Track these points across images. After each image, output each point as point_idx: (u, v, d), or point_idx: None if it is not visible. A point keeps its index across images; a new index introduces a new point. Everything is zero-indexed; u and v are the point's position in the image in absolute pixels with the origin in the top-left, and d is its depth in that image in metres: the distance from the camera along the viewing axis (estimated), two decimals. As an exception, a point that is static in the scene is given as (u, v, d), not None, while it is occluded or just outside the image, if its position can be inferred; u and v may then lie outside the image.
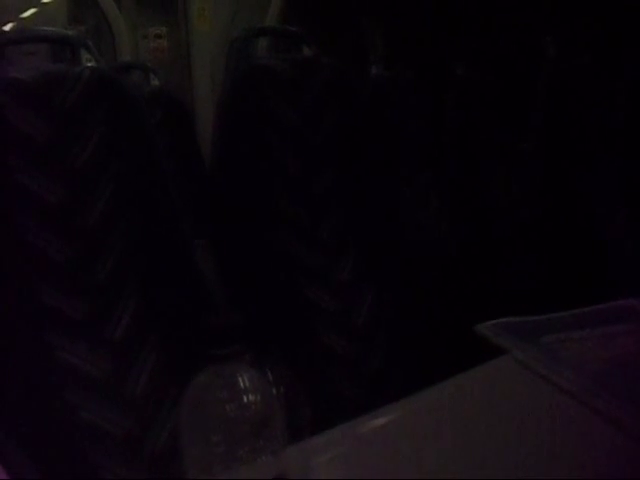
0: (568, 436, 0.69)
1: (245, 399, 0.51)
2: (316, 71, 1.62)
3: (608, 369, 0.80)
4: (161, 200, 1.26)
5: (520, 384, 0.78)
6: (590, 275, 1.59)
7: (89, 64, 1.36)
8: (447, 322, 1.51)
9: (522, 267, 1.76)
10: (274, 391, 0.54)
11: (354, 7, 3.24)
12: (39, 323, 1.11)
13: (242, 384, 0.51)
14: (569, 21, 2.09)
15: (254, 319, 1.35)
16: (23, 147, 1.16)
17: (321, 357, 1.42)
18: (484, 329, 0.89)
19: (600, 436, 0.68)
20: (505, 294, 1.61)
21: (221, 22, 3.86)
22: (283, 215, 1.49)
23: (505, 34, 2.37)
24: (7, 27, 3.53)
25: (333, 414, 0.75)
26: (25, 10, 3.92)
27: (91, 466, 1.07)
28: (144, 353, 1.14)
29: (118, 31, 2.93)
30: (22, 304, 1.11)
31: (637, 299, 0.95)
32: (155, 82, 2.69)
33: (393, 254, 1.58)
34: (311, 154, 1.55)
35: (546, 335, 0.86)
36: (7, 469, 0.72)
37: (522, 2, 2.38)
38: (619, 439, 0.67)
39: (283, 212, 1.49)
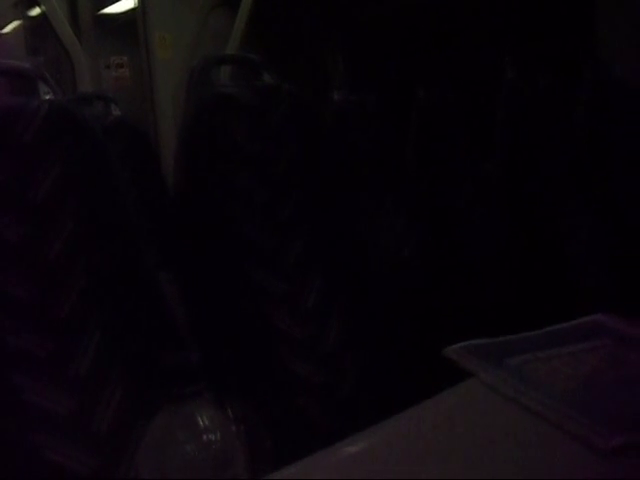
0: (537, 456, 0.69)
1: (205, 438, 0.49)
2: (277, 98, 1.63)
3: (575, 387, 0.80)
4: (124, 233, 1.25)
5: (487, 406, 0.78)
6: (556, 293, 1.60)
7: (47, 97, 1.34)
8: (415, 346, 1.51)
9: (488, 288, 1.77)
10: (235, 429, 0.53)
11: (315, 33, 3.27)
12: (1, 362, 1.08)
13: (202, 423, 0.50)
14: (527, 42, 2.13)
15: (219, 350, 1.34)
16: (-20, 184, 1.14)
17: (289, 385, 1.41)
18: (451, 352, 0.89)
19: (569, 455, 0.68)
20: (472, 316, 1.62)
21: (183, 50, 3.87)
22: (248, 243, 1.48)
23: (465, 56, 2.41)
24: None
25: (302, 443, 0.74)
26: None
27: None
28: (109, 389, 1.12)
29: (78, 61, 2.91)
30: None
31: (604, 315, 0.96)
32: (117, 112, 2.67)
33: (359, 279, 1.58)
34: (275, 181, 1.55)
35: (512, 356, 0.86)
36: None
37: (481, 25, 2.43)
38: (588, 457, 0.67)
39: (247, 240, 1.49)
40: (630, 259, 1.62)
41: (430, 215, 2.08)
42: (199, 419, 0.50)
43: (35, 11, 4.06)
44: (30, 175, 1.17)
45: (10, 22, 4.24)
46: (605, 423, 0.70)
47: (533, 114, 1.91)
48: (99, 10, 4.68)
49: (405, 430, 0.76)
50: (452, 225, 2.04)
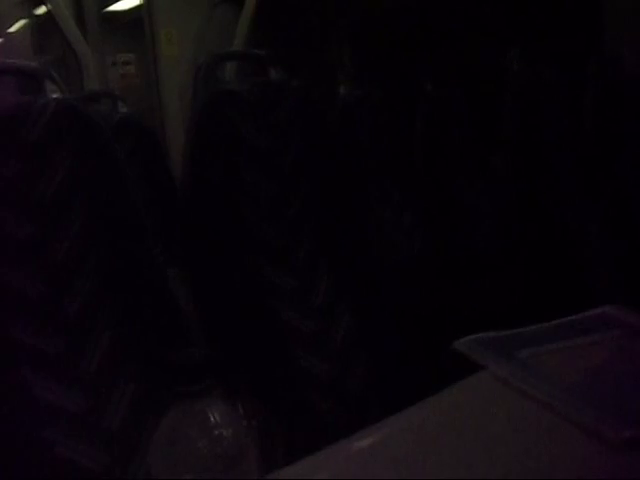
0: (548, 449, 0.68)
1: (216, 435, 0.50)
2: (284, 94, 1.63)
3: (585, 380, 0.80)
4: (133, 231, 1.25)
5: (498, 399, 0.78)
6: (565, 286, 1.60)
7: (54, 95, 1.35)
8: (425, 340, 1.51)
9: (498, 281, 1.76)
10: (246, 424, 0.53)
11: (321, 28, 3.26)
12: (12, 360, 1.09)
13: (212, 420, 0.50)
14: (535, 36, 2.12)
15: (229, 347, 1.34)
16: (-11, 182, 1.14)
17: (300, 380, 1.41)
18: (461, 345, 0.88)
19: (580, 447, 0.68)
20: (481, 309, 1.61)
21: (189, 47, 3.87)
22: (256, 239, 1.49)
23: (471, 49, 2.40)
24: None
25: (313, 438, 0.75)
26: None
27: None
28: (120, 386, 1.12)
29: (84, 59, 2.91)
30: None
31: (613, 307, 0.96)
32: (124, 110, 2.68)
33: (368, 274, 1.58)
34: (282, 177, 1.55)
35: (522, 349, 0.86)
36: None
37: (489, 18, 2.42)
38: (599, 450, 0.67)
39: (256, 236, 1.49)
40: (639, 251, 1.62)
41: (438, 210, 2.07)
42: (210, 415, 0.50)
43: (41, 9, 4.07)
44: (38, 173, 1.18)
45: (16, 21, 4.25)
46: (615, 415, 0.70)
47: (541, 108, 1.90)
48: (105, 8, 4.68)
49: (415, 424, 0.76)
50: (460, 219, 2.04)
